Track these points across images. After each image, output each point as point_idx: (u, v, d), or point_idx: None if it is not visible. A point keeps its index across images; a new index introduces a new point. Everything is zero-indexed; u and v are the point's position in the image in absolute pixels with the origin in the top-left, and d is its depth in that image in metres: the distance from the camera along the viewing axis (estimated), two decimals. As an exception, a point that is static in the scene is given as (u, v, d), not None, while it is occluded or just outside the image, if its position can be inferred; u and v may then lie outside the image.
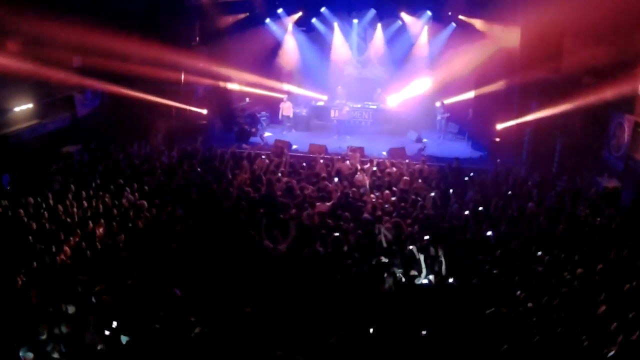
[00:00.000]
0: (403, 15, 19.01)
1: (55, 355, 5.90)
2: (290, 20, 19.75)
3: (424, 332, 6.20)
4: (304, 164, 13.07)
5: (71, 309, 6.64)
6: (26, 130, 13.13)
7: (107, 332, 6.16)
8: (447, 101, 17.77)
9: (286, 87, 19.57)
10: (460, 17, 17.69)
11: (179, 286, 7.26)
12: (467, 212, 10.04)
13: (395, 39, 19.57)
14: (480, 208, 10.31)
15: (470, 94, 17.35)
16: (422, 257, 7.98)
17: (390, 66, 19.92)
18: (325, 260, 8.15)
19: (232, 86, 19.08)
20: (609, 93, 12.28)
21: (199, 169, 12.18)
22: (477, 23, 17.01)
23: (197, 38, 18.25)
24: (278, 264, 8.20)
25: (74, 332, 6.18)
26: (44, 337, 5.97)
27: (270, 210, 9.79)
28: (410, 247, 8.32)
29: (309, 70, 20.24)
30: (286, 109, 18.49)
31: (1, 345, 5.54)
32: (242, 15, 18.95)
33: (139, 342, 5.89)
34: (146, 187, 10.92)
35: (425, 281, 7.73)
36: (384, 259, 8.10)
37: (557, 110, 13.50)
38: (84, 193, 10.24)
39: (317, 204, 10.27)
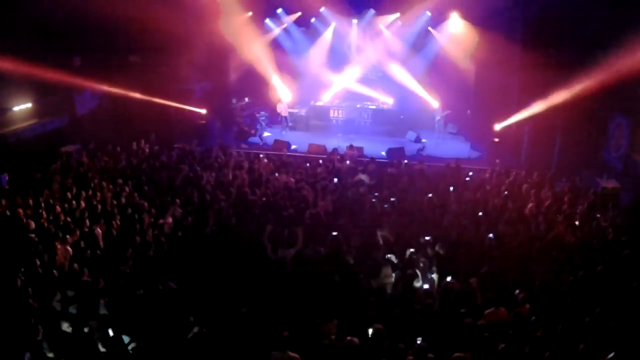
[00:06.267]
0: (401, 15, 18.99)
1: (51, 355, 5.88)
2: (289, 20, 19.72)
3: (419, 340, 6.15)
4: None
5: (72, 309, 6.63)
6: (25, 130, 13.12)
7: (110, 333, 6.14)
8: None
9: (284, 87, 19.52)
10: (459, 17, 17.66)
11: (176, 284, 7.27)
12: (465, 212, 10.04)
13: (394, 39, 19.55)
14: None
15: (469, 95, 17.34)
16: (422, 259, 7.97)
17: (389, 66, 19.90)
18: (325, 261, 8.14)
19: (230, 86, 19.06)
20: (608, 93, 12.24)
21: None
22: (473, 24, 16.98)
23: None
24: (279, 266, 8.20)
25: (74, 332, 6.18)
26: (39, 337, 5.95)
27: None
28: (410, 250, 8.31)
29: (307, 70, 20.21)
30: (281, 109, 18.47)
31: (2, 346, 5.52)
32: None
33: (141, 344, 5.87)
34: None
35: (426, 286, 7.73)
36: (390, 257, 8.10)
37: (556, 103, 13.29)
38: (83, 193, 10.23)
39: (320, 203, 10.24)
